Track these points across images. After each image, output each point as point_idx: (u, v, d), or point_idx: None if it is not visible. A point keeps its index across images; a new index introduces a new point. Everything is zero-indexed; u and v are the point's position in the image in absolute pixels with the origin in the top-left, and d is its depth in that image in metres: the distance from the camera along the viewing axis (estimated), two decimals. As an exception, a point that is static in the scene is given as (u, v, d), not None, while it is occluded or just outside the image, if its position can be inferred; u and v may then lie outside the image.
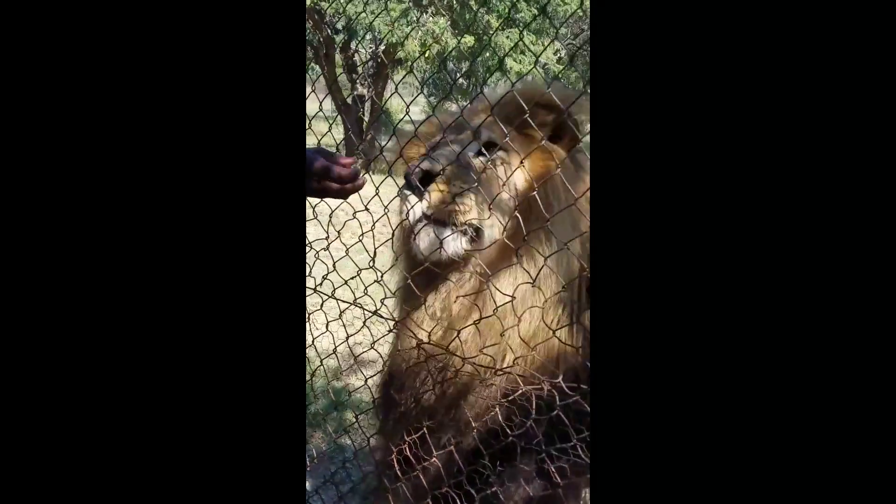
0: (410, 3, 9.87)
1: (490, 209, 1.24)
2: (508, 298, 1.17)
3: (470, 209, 1.25)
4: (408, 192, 1.28)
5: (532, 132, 1.18)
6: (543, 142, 1.16)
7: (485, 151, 1.31)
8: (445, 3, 10.11)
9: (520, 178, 1.27)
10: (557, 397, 1.10)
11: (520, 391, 1.14)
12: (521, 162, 1.22)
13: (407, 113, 1.53)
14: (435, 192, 1.25)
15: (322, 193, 1.26)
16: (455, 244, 1.26)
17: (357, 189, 1.27)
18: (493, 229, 1.26)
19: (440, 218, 1.26)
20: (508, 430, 1.16)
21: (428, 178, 1.25)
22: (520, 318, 1.19)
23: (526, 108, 1.08)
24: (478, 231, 1.28)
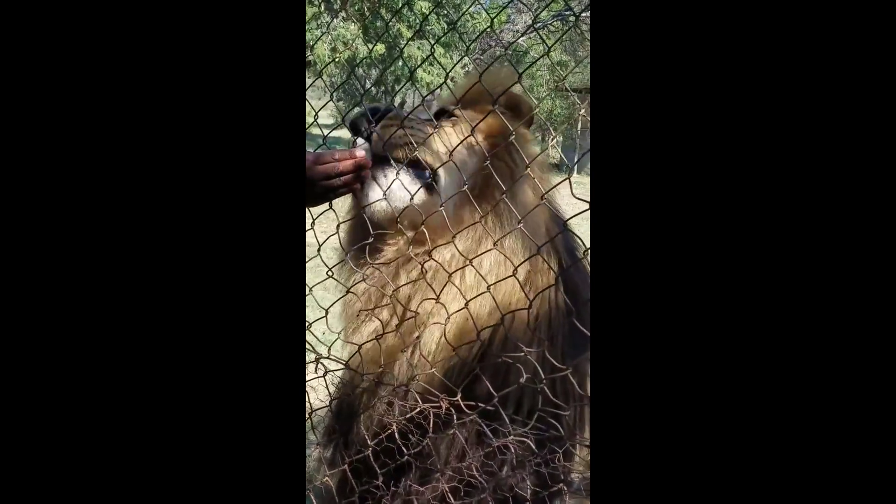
0: (322, 8, 9.72)
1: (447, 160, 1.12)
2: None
3: (425, 144, 1.15)
4: (355, 138, 1.19)
5: (486, 106, 1.15)
6: (498, 110, 1.10)
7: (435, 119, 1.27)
8: (357, 9, 10.05)
9: (472, 145, 1.19)
10: (455, 415, 1.09)
11: (417, 409, 1.12)
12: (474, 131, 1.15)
13: (316, 118, 1.48)
14: (386, 130, 1.15)
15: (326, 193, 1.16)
16: (411, 187, 1.15)
17: (360, 167, 1.15)
18: (453, 177, 1.16)
19: (395, 157, 1.16)
20: (404, 449, 1.13)
21: (375, 119, 1.18)
22: (419, 335, 1.17)
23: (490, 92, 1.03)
24: (435, 176, 1.18)
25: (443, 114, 1.29)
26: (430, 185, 1.18)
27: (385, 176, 1.18)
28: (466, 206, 1.14)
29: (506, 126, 1.06)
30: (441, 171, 1.18)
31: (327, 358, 1.23)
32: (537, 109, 1.13)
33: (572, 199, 0.91)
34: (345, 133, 1.37)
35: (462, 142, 1.14)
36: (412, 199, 1.15)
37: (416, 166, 1.20)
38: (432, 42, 9.45)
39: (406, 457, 1.14)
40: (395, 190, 1.17)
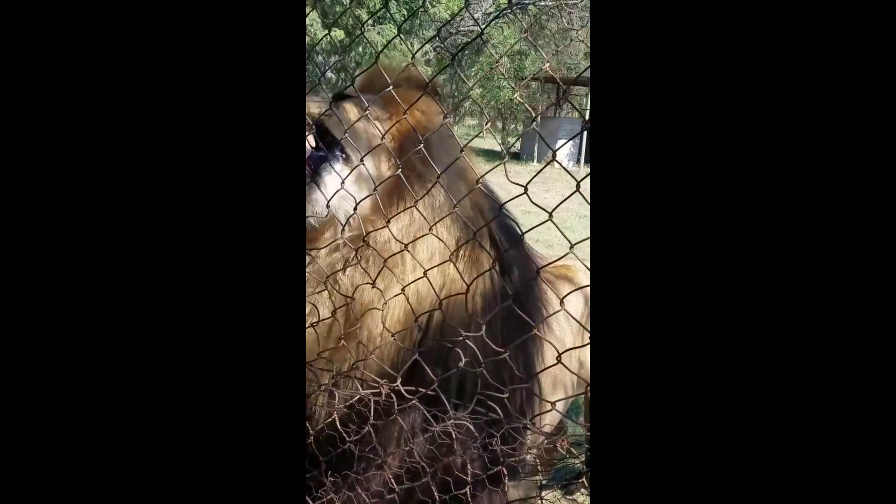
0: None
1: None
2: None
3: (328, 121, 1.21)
4: None
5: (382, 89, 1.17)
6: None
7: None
8: (314, -6, 9.89)
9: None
10: (395, 402, 1.08)
11: (357, 396, 1.11)
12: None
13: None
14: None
15: None
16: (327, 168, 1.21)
17: None
18: (360, 143, 1.20)
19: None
20: (346, 437, 1.12)
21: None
22: (360, 321, 1.15)
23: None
24: (344, 151, 1.23)
25: (341, 98, 1.29)
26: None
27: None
28: (394, 192, 1.13)
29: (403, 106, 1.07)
30: (348, 148, 1.22)
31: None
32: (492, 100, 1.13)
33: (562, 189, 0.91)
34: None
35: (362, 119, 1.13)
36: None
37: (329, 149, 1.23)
38: (397, 26, 9.35)
39: (347, 445, 1.13)
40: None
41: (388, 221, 1.07)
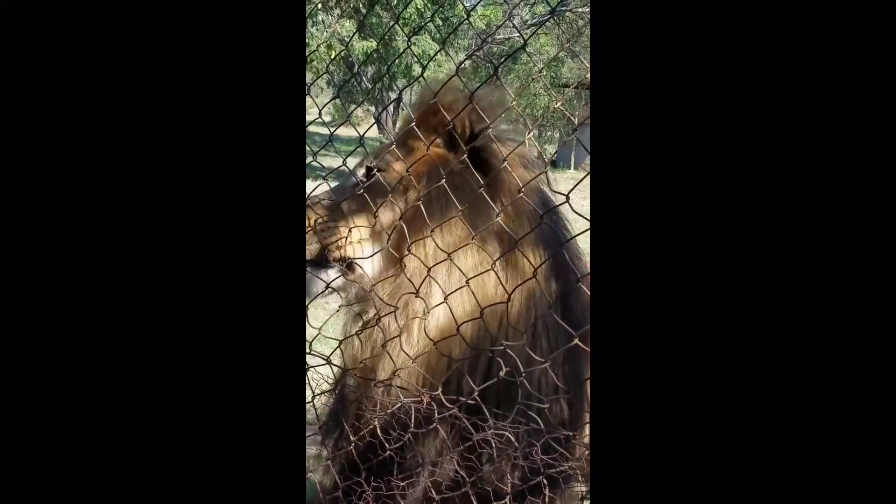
0: (319, 5, 9.69)
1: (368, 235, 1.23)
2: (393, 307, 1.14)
3: (341, 242, 1.25)
4: None
5: (419, 144, 1.17)
6: (431, 149, 1.13)
7: (364, 179, 1.30)
8: (352, 6, 10.02)
9: (404, 189, 1.24)
10: (436, 410, 1.09)
11: (398, 404, 1.12)
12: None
13: (320, 115, 1.47)
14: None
15: None
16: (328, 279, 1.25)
17: None
18: (368, 262, 1.25)
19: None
20: (386, 444, 1.13)
21: None
22: (403, 328, 1.16)
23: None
24: (350, 265, 1.27)
25: (373, 168, 1.31)
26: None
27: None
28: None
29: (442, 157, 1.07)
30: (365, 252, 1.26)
31: (309, 353, 1.23)
32: (527, 107, 1.13)
33: (577, 194, 0.92)
34: (343, 131, 1.38)
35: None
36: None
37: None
38: (437, 39, 9.43)
39: (388, 452, 1.14)
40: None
41: (433, 230, 1.08)
